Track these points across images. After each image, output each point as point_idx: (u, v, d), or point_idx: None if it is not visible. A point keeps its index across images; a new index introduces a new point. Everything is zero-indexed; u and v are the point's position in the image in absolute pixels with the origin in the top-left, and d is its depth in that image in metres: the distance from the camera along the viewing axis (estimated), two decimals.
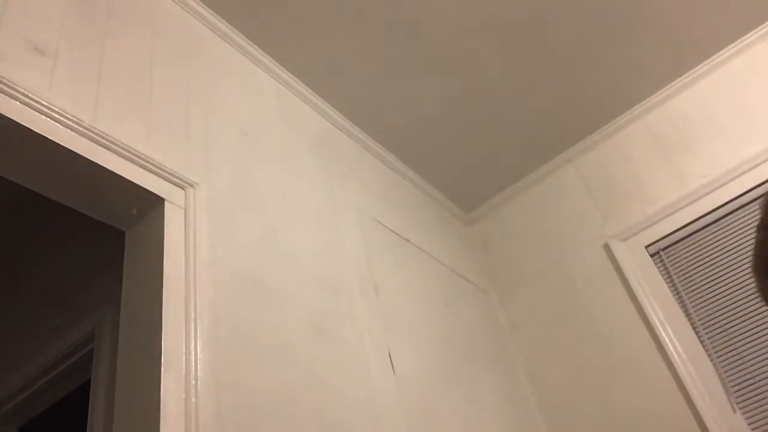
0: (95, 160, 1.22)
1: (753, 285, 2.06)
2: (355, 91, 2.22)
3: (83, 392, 1.85)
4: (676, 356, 2.08)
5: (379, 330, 1.74)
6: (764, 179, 2.15)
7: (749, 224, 2.15)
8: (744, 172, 2.20)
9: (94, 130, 1.25)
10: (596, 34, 2.21)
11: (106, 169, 1.24)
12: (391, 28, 2.06)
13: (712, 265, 2.18)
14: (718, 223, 2.22)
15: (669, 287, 2.21)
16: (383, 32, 2.06)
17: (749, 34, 2.36)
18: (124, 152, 1.29)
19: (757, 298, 2.03)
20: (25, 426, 2.20)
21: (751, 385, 1.98)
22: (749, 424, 1.92)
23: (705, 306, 2.13)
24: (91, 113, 1.28)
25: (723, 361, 2.04)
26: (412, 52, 2.14)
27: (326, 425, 1.37)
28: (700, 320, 2.12)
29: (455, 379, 1.97)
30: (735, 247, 2.16)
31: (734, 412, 1.95)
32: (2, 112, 1.10)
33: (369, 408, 1.53)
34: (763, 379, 1.97)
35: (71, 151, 1.19)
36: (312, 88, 2.16)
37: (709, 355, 2.06)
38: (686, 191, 2.29)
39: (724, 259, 2.16)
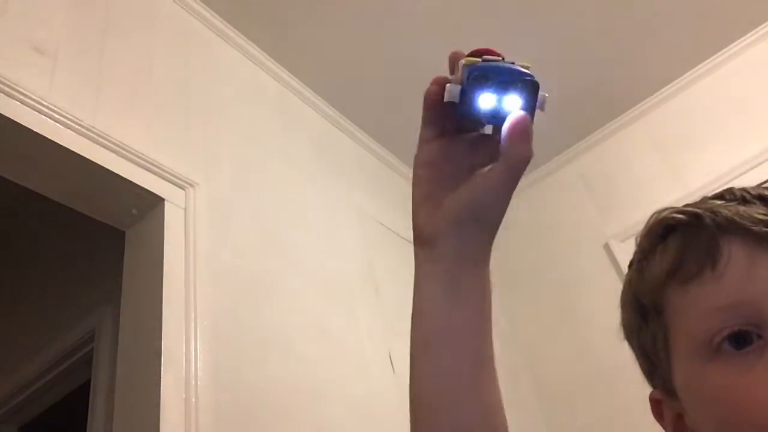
0: (95, 160, 1.22)
1: None
2: (355, 91, 2.22)
3: (83, 392, 1.84)
4: None
5: (379, 330, 1.74)
6: (765, 179, 2.15)
7: None
8: (744, 172, 2.19)
9: (94, 130, 1.25)
10: (596, 33, 2.21)
11: (106, 169, 1.24)
12: (392, 28, 2.05)
13: None
14: None
15: None
16: (384, 32, 2.06)
17: (749, 34, 2.36)
18: (124, 152, 1.29)
19: None
20: (25, 426, 2.20)
21: None
22: None
23: None
24: (91, 113, 1.28)
25: None
26: (412, 52, 2.14)
27: (326, 425, 1.37)
28: None
29: None
30: None
31: None
32: (2, 112, 1.10)
33: (369, 408, 1.53)
34: None
35: (71, 151, 1.19)
36: (312, 88, 2.16)
37: None
38: (686, 191, 2.29)
39: None
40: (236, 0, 1.88)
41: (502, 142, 0.42)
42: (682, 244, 0.48)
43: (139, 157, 1.31)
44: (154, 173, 1.34)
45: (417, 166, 0.47)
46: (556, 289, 2.48)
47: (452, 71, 0.47)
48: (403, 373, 1.72)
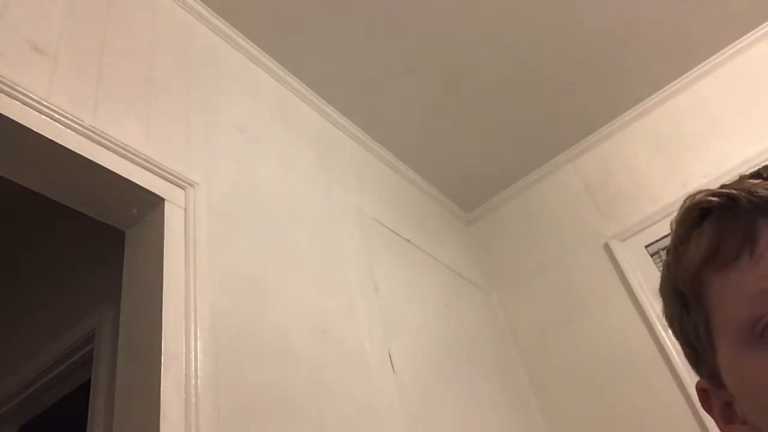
0: (95, 160, 1.22)
1: None
2: (355, 91, 2.22)
3: (83, 392, 1.84)
4: (676, 356, 2.08)
5: (379, 330, 1.74)
6: None
7: None
8: (745, 172, 2.19)
9: (94, 129, 1.25)
10: (596, 33, 2.21)
11: (106, 169, 1.24)
12: (392, 28, 2.05)
13: None
14: None
15: None
16: (384, 33, 2.06)
17: (749, 34, 2.36)
18: (124, 152, 1.29)
19: None
20: (25, 426, 2.20)
21: None
22: None
23: None
24: (91, 113, 1.28)
25: None
26: (412, 52, 2.14)
27: (326, 425, 1.37)
28: None
29: (455, 378, 1.97)
30: None
31: None
32: (2, 112, 1.10)
33: (369, 408, 1.53)
34: None
35: (71, 150, 1.19)
36: (312, 88, 2.16)
37: None
38: (686, 191, 2.27)
39: None
40: (237, 0, 1.88)
41: None
42: (718, 228, 0.46)
43: (139, 157, 1.31)
44: (154, 173, 1.34)
45: None
46: (556, 289, 2.48)
47: None
48: (402, 372, 1.71)
